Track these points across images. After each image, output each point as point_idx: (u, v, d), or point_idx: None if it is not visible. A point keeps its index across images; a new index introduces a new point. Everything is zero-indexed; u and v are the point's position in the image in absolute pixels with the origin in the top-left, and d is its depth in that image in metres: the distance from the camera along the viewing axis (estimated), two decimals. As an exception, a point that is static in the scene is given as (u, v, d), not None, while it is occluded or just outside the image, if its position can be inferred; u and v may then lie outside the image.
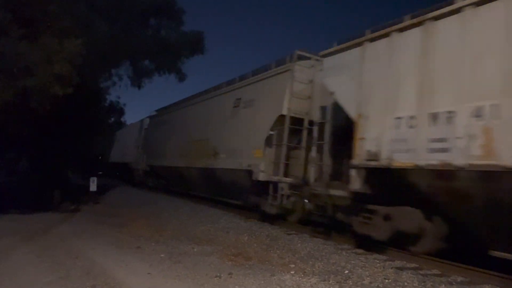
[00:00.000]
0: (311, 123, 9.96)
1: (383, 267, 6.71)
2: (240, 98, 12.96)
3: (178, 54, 19.53)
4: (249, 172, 11.46)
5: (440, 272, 6.54)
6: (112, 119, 36.65)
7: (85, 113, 16.09)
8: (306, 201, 9.57)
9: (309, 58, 10.84)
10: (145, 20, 18.48)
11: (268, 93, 11.56)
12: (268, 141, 11.16)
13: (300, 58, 10.86)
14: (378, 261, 7.16)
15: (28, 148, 16.41)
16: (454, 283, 6.02)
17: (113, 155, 34.35)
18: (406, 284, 5.83)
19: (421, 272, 6.52)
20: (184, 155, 16.59)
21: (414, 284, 5.83)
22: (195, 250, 7.71)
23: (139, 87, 21.18)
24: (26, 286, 5.26)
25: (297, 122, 10.43)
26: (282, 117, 10.58)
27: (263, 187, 10.90)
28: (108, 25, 14.92)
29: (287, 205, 10.23)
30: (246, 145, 12.00)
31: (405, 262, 7.15)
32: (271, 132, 11.03)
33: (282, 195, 10.32)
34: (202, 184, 16.23)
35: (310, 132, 9.90)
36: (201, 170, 15.05)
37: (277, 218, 10.87)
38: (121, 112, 38.03)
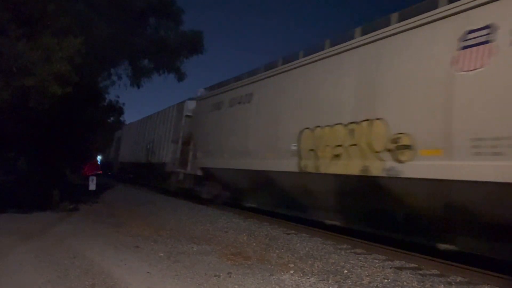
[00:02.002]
0: None
1: (382, 267, 6.71)
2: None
3: (177, 53, 19.48)
4: None
5: (439, 272, 6.54)
6: (112, 118, 36.39)
7: (84, 113, 16.04)
8: None
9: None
10: (144, 20, 18.42)
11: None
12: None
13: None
14: (377, 261, 7.17)
15: (27, 147, 16.36)
16: (453, 283, 6.02)
17: (125, 153, 29.07)
18: (405, 284, 5.83)
19: (420, 272, 6.52)
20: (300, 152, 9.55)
21: (413, 284, 5.83)
22: (194, 249, 7.70)
23: (138, 86, 21.10)
24: (24, 285, 5.24)
25: None
26: None
27: None
28: (107, 25, 14.88)
29: None
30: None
31: (404, 262, 7.16)
32: None
33: None
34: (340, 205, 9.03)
35: None
36: (353, 179, 8.03)
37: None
38: (120, 111, 37.96)
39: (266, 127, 11.09)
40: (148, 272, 5.88)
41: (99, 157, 47.29)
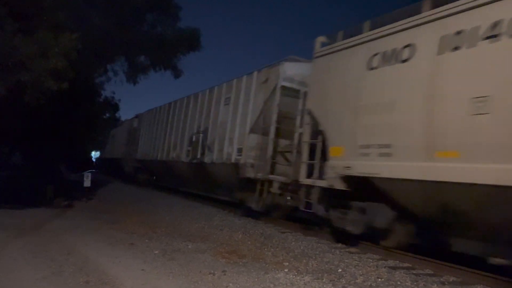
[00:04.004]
0: None
1: (376, 266, 6.74)
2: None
3: (174, 50, 19.45)
4: None
5: (432, 272, 6.59)
6: (107, 114, 36.14)
7: (80, 108, 16.01)
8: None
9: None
10: (141, 16, 18.37)
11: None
12: None
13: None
14: (371, 260, 7.20)
15: (22, 142, 16.31)
16: (446, 283, 6.06)
17: (146, 149, 21.94)
18: (399, 283, 5.87)
19: (413, 271, 6.57)
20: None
21: (407, 284, 5.87)
22: (189, 247, 7.70)
23: (135, 83, 21.07)
24: (19, 281, 5.22)
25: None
26: None
27: None
28: (103, 20, 14.83)
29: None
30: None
31: (398, 261, 7.20)
32: None
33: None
34: None
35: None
36: None
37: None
38: (116, 107, 37.80)
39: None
40: (142, 269, 5.88)
41: (96, 153, 47.08)
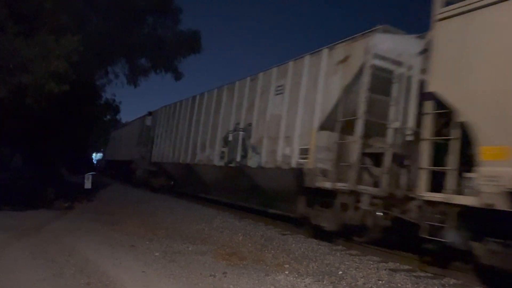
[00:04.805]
0: None
1: (377, 269, 6.75)
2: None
3: (174, 52, 19.48)
4: None
5: (433, 274, 6.59)
6: (108, 117, 36.12)
7: (80, 111, 16.03)
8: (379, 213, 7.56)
9: None
10: (142, 18, 18.41)
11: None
12: None
13: None
14: (371, 263, 7.20)
15: (23, 144, 16.33)
16: (447, 285, 6.07)
17: (164, 151, 18.94)
18: (399, 285, 5.88)
19: (414, 274, 6.57)
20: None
21: (407, 286, 5.88)
22: (190, 249, 7.70)
23: (135, 85, 21.09)
24: (19, 283, 5.22)
25: None
26: None
27: None
28: (104, 23, 14.89)
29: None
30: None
31: (398, 264, 7.20)
32: None
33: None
34: None
35: None
36: None
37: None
38: (116, 110, 37.81)
39: None
40: (143, 271, 5.88)
41: (97, 155, 47.00)
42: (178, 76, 20.50)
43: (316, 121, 9.22)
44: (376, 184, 7.96)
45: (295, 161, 9.64)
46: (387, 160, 7.73)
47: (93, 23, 14.08)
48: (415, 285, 5.90)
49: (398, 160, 7.75)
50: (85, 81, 14.11)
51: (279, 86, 10.90)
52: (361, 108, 8.11)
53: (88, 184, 15.27)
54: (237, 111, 12.87)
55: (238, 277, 5.74)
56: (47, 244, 7.56)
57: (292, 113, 10.09)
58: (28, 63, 9.80)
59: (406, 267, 7.01)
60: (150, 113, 22.87)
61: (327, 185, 8.63)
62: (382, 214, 7.63)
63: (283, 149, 10.19)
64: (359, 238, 8.32)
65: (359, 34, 8.81)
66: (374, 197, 7.74)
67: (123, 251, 7.21)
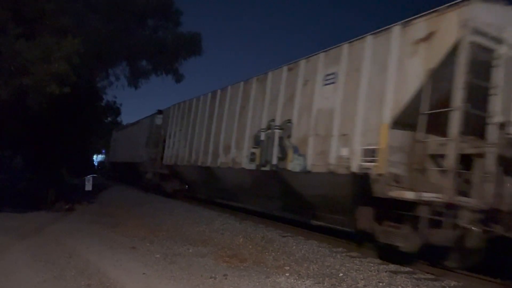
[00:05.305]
0: None
1: (377, 271, 6.74)
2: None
3: (175, 55, 19.52)
4: None
5: (433, 276, 6.58)
6: (109, 118, 36.14)
7: (81, 113, 16.05)
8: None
9: None
10: (142, 20, 18.48)
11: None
12: None
13: None
14: (372, 265, 7.18)
15: (23, 146, 16.35)
16: (447, 287, 6.06)
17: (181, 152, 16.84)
18: (400, 287, 5.87)
19: (415, 276, 6.56)
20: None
21: (408, 288, 5.87)
22: (190, 251, 7.70)
23: (136, 87, 21.14)
24: (20, 285, 5.23)
25: None
26: None
27: None
28: (105, 25, 14.92)
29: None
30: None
31: (399, 266, 7.18)
32: None
33: None
34: None
35: None
36: None
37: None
38: (117, 112, 37.89)
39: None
40: (144, 273, 5.89)
41: (98, 157, 46.93)
42: (178, 78, 20.54)
43: (387, 115, 7.35)
44: (465, 194, 6.45)
45: (356, 164, 7.80)
46: (489, 164, 6.25)
47: (94, 25, 14.11)
48: (416, 287, 5.90)
49: (504, 164, 6.29)
50: (86, 83, 14.15)
51: (329, 75, 9.14)
52: (458, 97, 6.38)
53: (88, 186, 15.28)
54: (270, 106, 11.09)
55: (239, 279, 5.75)
56: (47, 246, 7.57)
57: (349, 106, 8.29)
58: (29, 65, 9.82)
59: (407, 269, 7.00)
60: (160, 112, 21.39)
61: (409, 195, 6.73)
62: (481, 231, 6.17)
63: (337, 150, 8.38)
64: (452, 262, 6.58)
65: (446, 5, 6.97)
66: (474, 211, 6.25)
67: (124, 253, 7.21)
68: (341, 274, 6.41)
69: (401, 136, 7.32)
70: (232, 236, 9.45)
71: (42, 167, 16.70)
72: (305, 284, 5.69)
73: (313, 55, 9.82)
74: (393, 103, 7.31)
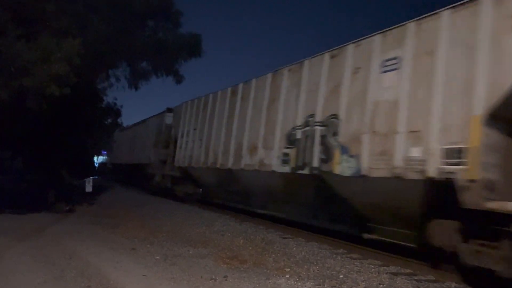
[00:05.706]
0: None
1: (378, 272, 6.72)
2: None
3: (175, 56, 19.48)
4: None
5: (434, 278, 6.56)
6: (109, 120, 35.99)
7: (82, 114, 16.04)
8: None
9: None
10: (143, 22, 18.44)
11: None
12: None
13: None
14: (373, 266, 7.17)
15: (23, 147, 16.34)
16: (448, 289, 6.04)
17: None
18: (400, 289, 5.85)
19: (415, 278, 6.54)
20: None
21: (409, 290, 5.85)
22: (190, 252, 7.69)
23: (136, 88, 21.09)
24: (20, 286, 5.22)
25: None
26: None
27: None
28: (106, 26, 14.91)
29: None
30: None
31: (399, 267, 7.17)
32: None
33: None
34: None
35: None
36: None
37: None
38: (117, 113, 37.79)
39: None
40: (144, 275, 5.87)
41: (99, 158, 46.87)
42: (179, 79, 20.48)
43: (479, 107, 5.87)
44: None
45: (434, 167, 6.31)
46: None
47: (94, 26, 14.10)
48: (417, 289, 5.89)
49: None
50: (86, 85, 14.13)
51: (389, 60, 7.64)
52: None
53: (89, 188, 15.28)
54: (308, 99, 9.63)
55: (239, 281, 5.73)
56: (48, 247, 7.56)
57: (421, 96, 6.82)
58: (29, 66, 9.82)
59: (408, 270, 6.98)
60: (169, 110, 20.25)
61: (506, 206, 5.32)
62: None
63: (405, 149, 6.86)
64: None
65: None
66: None
67: (124, 254, 7.21)
68: (341, 276, 6.40)
69: (497, 132, 5.89)
70: (233, 238, 9.44)
71: (42, 168, 16.70)
72: (305, 285, 5.68)
73: (364, 38, 8.35)
74: (486, 91, 5.81)
